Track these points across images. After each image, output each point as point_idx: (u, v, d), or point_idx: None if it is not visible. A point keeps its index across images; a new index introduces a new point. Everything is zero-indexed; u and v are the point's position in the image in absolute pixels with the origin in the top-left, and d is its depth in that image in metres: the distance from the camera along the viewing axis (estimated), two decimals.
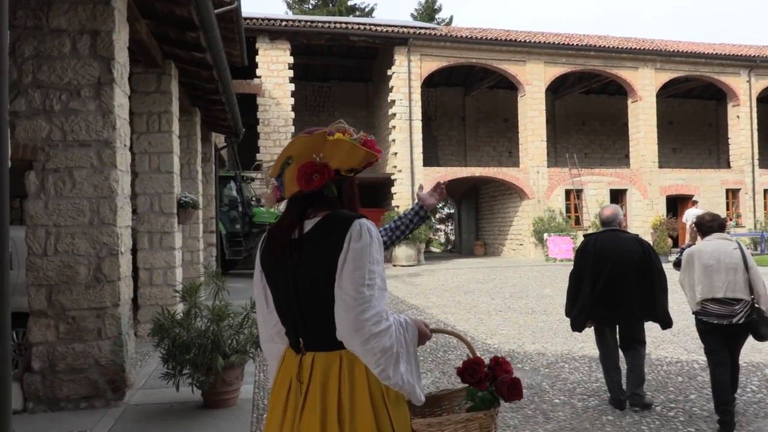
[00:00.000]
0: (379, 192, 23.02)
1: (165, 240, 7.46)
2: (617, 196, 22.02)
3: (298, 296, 1.68)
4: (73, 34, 4.69)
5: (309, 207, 1.73)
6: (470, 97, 26.23)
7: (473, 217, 26.22)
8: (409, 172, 19.93)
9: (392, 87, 20.08)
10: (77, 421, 4.37)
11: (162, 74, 7.51)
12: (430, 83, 24.98)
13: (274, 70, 19.13)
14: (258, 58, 19.07)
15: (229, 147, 20.20)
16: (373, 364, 1.59)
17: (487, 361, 1.90)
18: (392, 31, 19.36)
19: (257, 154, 19.09)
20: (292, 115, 19.35)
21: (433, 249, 34.93)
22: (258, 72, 19.09)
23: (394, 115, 20.12)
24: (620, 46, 21.50)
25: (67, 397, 4.59)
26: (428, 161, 22.50)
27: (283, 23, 19.02)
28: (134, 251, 7.38)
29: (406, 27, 19.77)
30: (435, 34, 20.00)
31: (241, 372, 4.76)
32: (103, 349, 4.65)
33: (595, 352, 6.31)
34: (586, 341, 6.98)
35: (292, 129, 19.33)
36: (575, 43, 21.00)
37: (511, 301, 10.59)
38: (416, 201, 2.55)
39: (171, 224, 7.48)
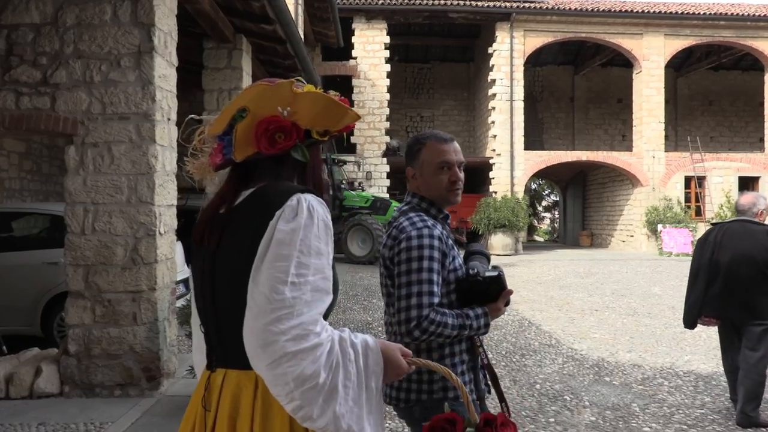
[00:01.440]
0: (476, 177, 22.08)
1: None
2: (747, 184, 19.52)
3: (214, 293, 1.26)
4: (114, 0, 4.41)
5: (252, 176, 1.31)
6: (580, 76, 24.41)
7: (579, 205, 24.52)
8: (509, 156, 18.82)
9: (493, 66, 19.00)
10: (107, 410, 4.13)
11: (233, 49, 7.25)
12: (537, 62, 23.53)
13: (370, 51, 18.73)
14: (354, 39, 18.75)
15: None
16: (283, 396, 1.10)
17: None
18: (493, 6, 18.25)
19: (351, 137, 18.84)
20: (388, 96, 18.88)
21: (538, 238, 33.40)
22: (354, 53, 18.78)
23: (494, 95, 19.05)
24: (757, 14, 18.87)
25: (102, 384, 4.39)
26: (532, 145, 21.23)
27: (380, 2, 18.51)
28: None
29: (508, 1, 18.56)
30: (540, 7, 18.63)
31: None
32: (138, 335, 4.39)
33: (704, 368, 5.30)
34: (695, 353, 5.90)
35: (387, 111, 18.89)
36: (702, 12, 18.71)
37: (612, 299, 9.47)
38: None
39: None
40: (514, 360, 5.73)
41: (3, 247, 5.75)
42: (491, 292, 1.79)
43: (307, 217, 1.18)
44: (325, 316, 1.21)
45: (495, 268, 1.85)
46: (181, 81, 9.85)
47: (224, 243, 1.24)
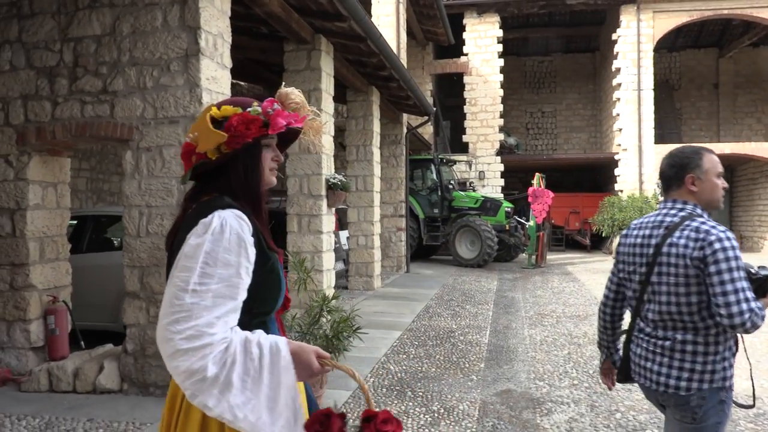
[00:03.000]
0: (600, 174, 20.56)
1: (313, 223, 7.20)
2: None
3: None
4: (164, 6, 4.48)
5: (201, 189, 1.56)
6: (726, 59, 21.81)
7: (726, 204, 21.85)
8: (637, 151, 17.25)
9: (617, 53, 17.53)
10: (155, 409, 4.18)
11: (312, 50, 7.21)
12: (673, 46, 21.48)
13: (482, 46, 18.10)
14: (465, 35, 18.24)
15: (440, 129, 19.88)
16: (180, 385, 1.32)
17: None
18: None
19: (463, 136, 18.37)
20: (501, 92, 18.13)
21: None
22: (465, 49, 18.27)
23: (619, 85, 17.56)
24: None
25: (155, 383, 4.47)
26: (668, 138, 19.40)
27: None
28: (284, 234, 7.30)
29: None
30: None
31: (320, 378, 4.11)
32: None
33: None
34: None
35: (500, 108, 18.13)
36: None
37: None
38: None
39: (319, 207, 7.19)
40: (571, 349, 5.04)
41: (93, 248, 6.16)
42: (765, 288, 2.09)
43: (217, 233, 1.37)
44: (267, 312, 1.52)
45: (764, 267, 2.12)
46: (277, 85, 10.02)
47: (171, 252, 1.50)
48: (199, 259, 1.34)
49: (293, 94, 1.59)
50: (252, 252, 1.43)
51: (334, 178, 7.31)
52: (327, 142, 7.38)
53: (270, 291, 1.52)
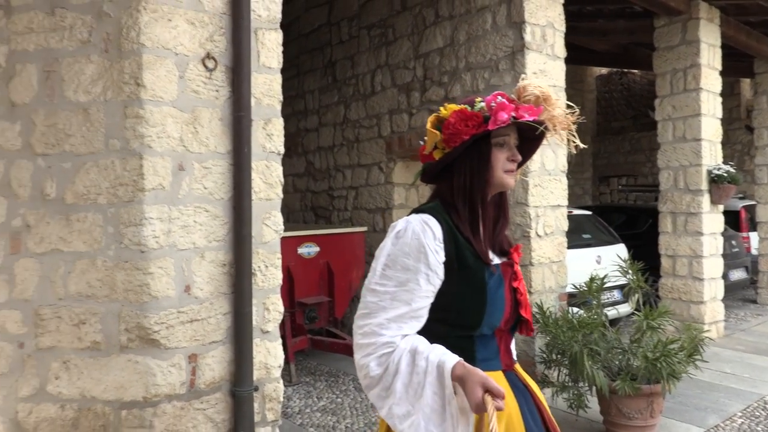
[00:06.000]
0: None
1: (690, 223, 6.16)
2: None
3: None
4: (493, 8, 4.55)
5: (433, 194, 1.58)
6: None
7: None
8: None
9: None
10: None
11: (688, 20, 6.18)
12: None
13: None
14: None
15: None
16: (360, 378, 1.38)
17: None
18: None
19: None
20: None
21: None
22: None
23: None
24: None
25: None
26: None
27: None
28: (656, 234, 6.49)
29: None
30: None
31: (649, 406, 3.49)
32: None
33: None
34: None
35: None
36: None
37: None
38: None
39: (697, 203, 6.10)
40: None
41: None
42: None
43: (399, 236, 1.37)
44: (472, 326, 1.37)
45: None
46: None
47: None
48: (381, 261, 1.37)
49: (531, 86, 1.45)
50: (434, 259, 1.36)
51: (718, 170, 6.08)
52: (710, 126, 6.19)
53: (469, 305, 1.39)
